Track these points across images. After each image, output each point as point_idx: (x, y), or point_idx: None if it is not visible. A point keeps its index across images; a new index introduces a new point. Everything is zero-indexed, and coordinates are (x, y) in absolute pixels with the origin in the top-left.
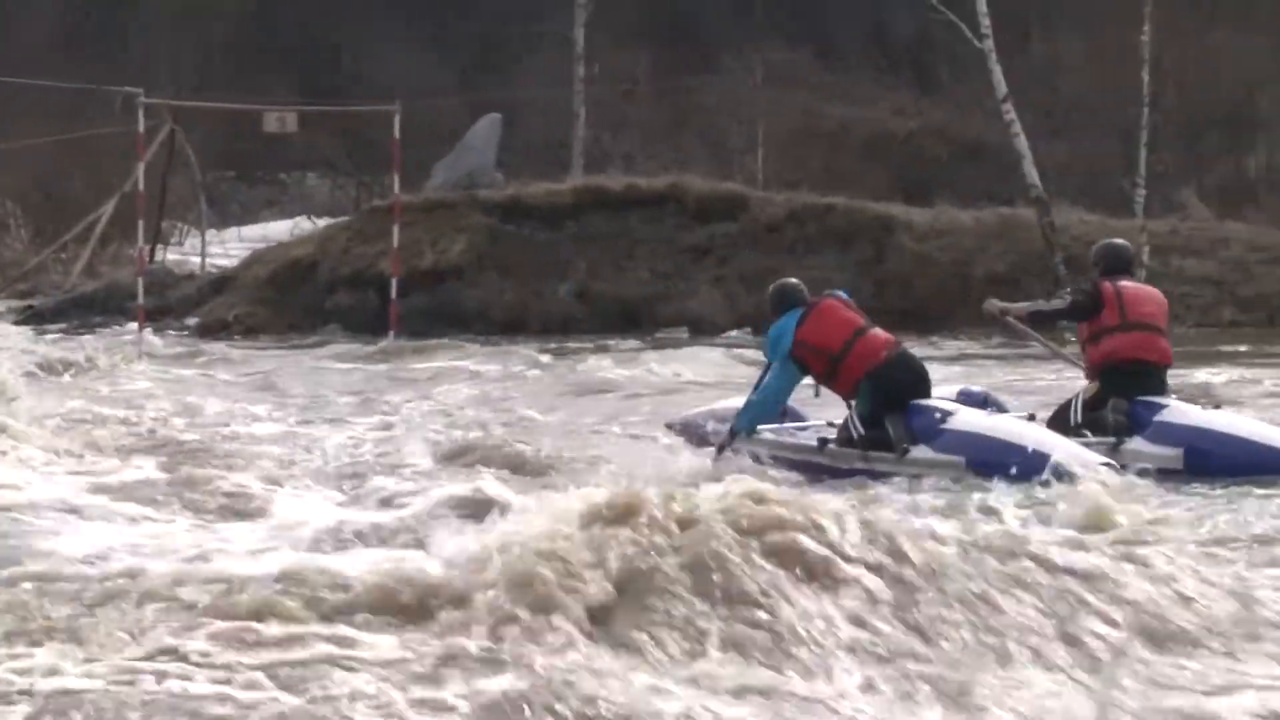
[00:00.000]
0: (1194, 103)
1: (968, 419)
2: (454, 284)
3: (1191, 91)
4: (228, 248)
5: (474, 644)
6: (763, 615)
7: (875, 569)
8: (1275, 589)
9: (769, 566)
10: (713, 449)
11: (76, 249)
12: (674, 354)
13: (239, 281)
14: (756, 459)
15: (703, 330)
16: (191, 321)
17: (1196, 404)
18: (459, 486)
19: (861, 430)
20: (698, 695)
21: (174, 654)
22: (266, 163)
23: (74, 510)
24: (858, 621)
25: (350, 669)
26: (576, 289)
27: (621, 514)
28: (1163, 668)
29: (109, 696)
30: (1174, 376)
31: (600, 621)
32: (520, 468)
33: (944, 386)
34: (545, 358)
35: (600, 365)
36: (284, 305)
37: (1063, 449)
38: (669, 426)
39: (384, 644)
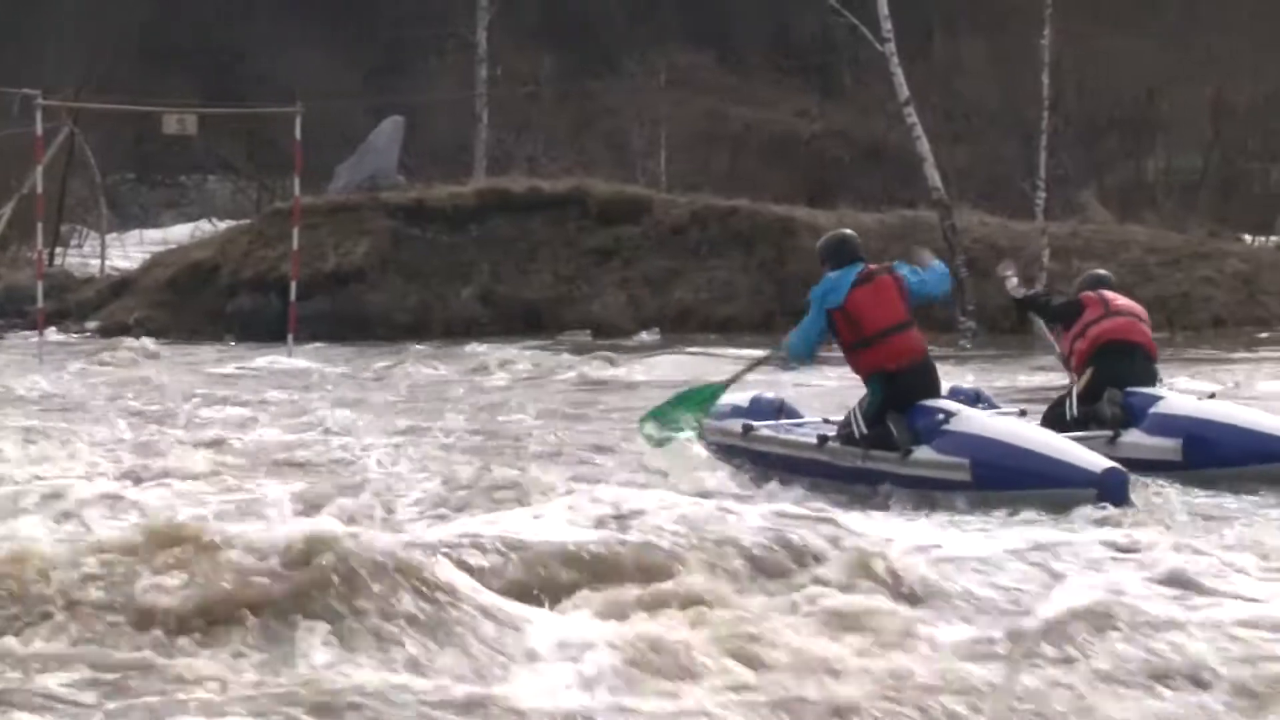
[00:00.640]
0: (1094, 106)
1: (971, 420)
2: (356, 287)
3: (1091, 95)
4: (128, 251)
5: None
6: None
7: None
8: None
9: None
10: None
11: None
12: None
13: (139, 285)
14: (755, 456)
15: (607, 333)
16: (91, 325)
17: (1191, 395)
18: None
19: (864, 429)
20: None
21: None
22: (167, 165)
23: None
24: None
25: None
26: (480, 292)
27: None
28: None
29: None
30: None
31: None
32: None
33: None
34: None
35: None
36: (185, 309)
37: (1068, 452)
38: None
39: None
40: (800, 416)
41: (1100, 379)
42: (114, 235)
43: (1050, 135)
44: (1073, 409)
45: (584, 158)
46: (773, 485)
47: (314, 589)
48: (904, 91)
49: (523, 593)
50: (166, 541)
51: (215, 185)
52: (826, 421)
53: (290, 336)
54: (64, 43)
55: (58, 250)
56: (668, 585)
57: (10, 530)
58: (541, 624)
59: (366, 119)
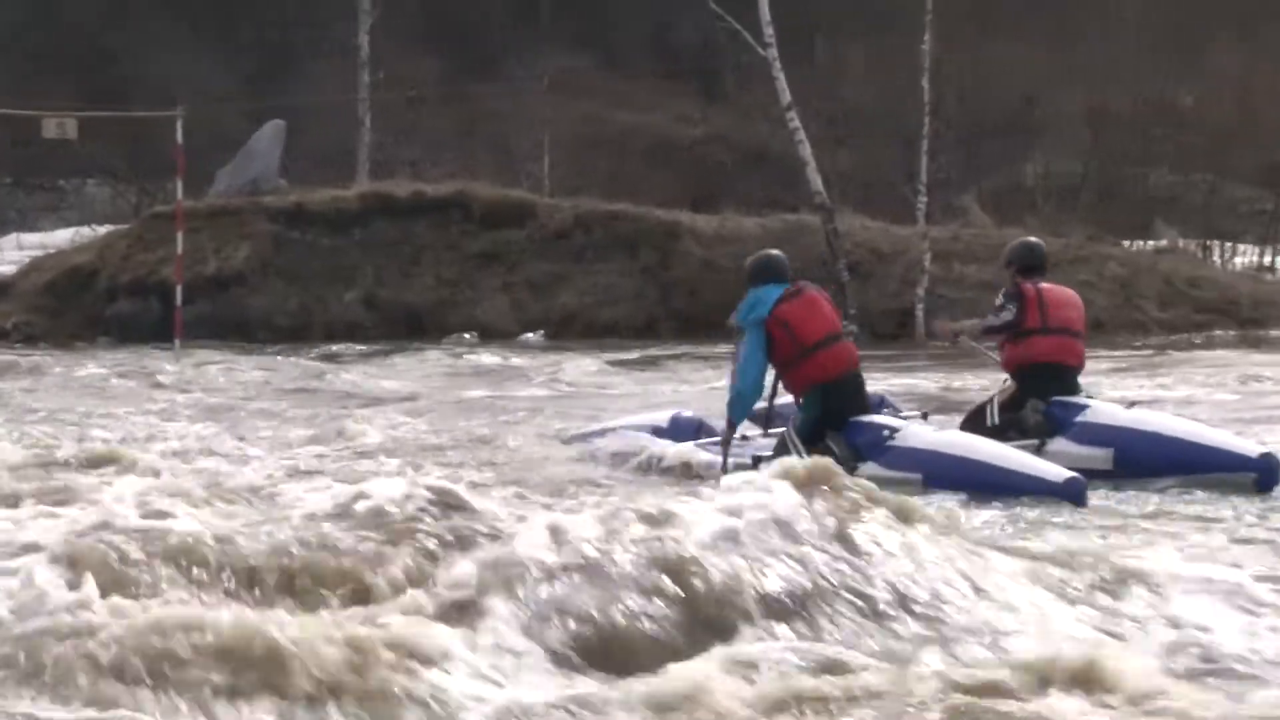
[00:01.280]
0: (974, 111)
1: (917, 435)
2: (238, 291)
3: (972, 100)
4: (5, 255)
5: None
6: None
7: None
8: None
9: None
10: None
11: None
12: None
13: (17, 289)
14: (690, 475)
15: (491, 336)
16: None
17: (1114, 403)
18: None
19: (802, 449)
20: None
21: None
22: (46, 169)
23: None
24: None
25: None
26: (362, 295)
27: None
28: None
29: None
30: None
31: None
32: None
33: None
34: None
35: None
36: (64, 313)
37: (1023, 462)
38: (566, 443)
39: None
40: (719, 435)
41: (1025, 393)
42: None
43: (931, 140)
44: (994, 416)
45: (467, 162)
46: None
47: None
48: (786, 96)
49: None
50: None
51: (95, 189)
52: (745, 439)
53: (177, 342)
54: None
55: None
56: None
57: None
58: None
59: (247, 123)
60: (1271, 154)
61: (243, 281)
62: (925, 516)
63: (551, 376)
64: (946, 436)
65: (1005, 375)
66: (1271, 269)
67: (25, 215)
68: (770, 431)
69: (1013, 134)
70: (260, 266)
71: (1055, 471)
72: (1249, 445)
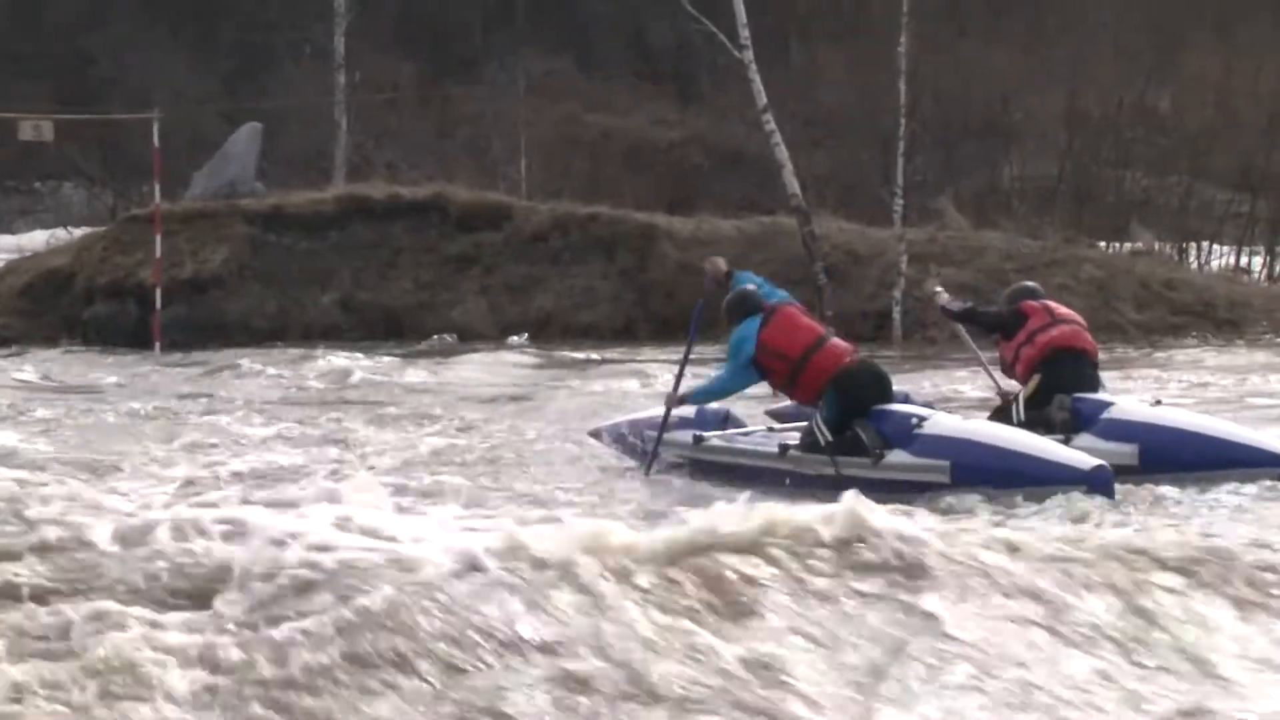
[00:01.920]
0: (950, 113)
1: (945, 423)
2: (215, 294)
3: (948, 102)
4: None
5: None
6: None
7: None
8: None
9: None
10: (637, 455)
11: None
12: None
13: None
14: (706, 466)
15: (469, 339)
16: None
17: (1140, 400)
18: None
19: (828, 435)
20: None
21: None
22: (21, 172)
23: None
24: None
25: None
26: (340, 298)
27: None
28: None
29: None
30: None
31: None
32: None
33: None
34: None
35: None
36: (40, 316)
37: (1051, 450)
38: (593, 435)
39: None
40: (745, 425)
41: (1048, 384)
42: None
43: (907, 142)
44: (1019, 414)
45: (444, 164)
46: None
47: None
48: (762, 98)
49: None
50: None
51: (71, 192)
52: (771, 430)
53: (157, 345)
54: None
55: None
56: None
57: None
58: None
59: (223, 125)
60: (1247, 156)
61: (220, 284)
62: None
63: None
64: (974, 425)
65: (1015, 383)
66: (1248, 271)
67: (1, 218)
68: (790, 426)
69: (989, 136)
70: (237, 269)
71: (1082, 459)
72: (1272, 442)
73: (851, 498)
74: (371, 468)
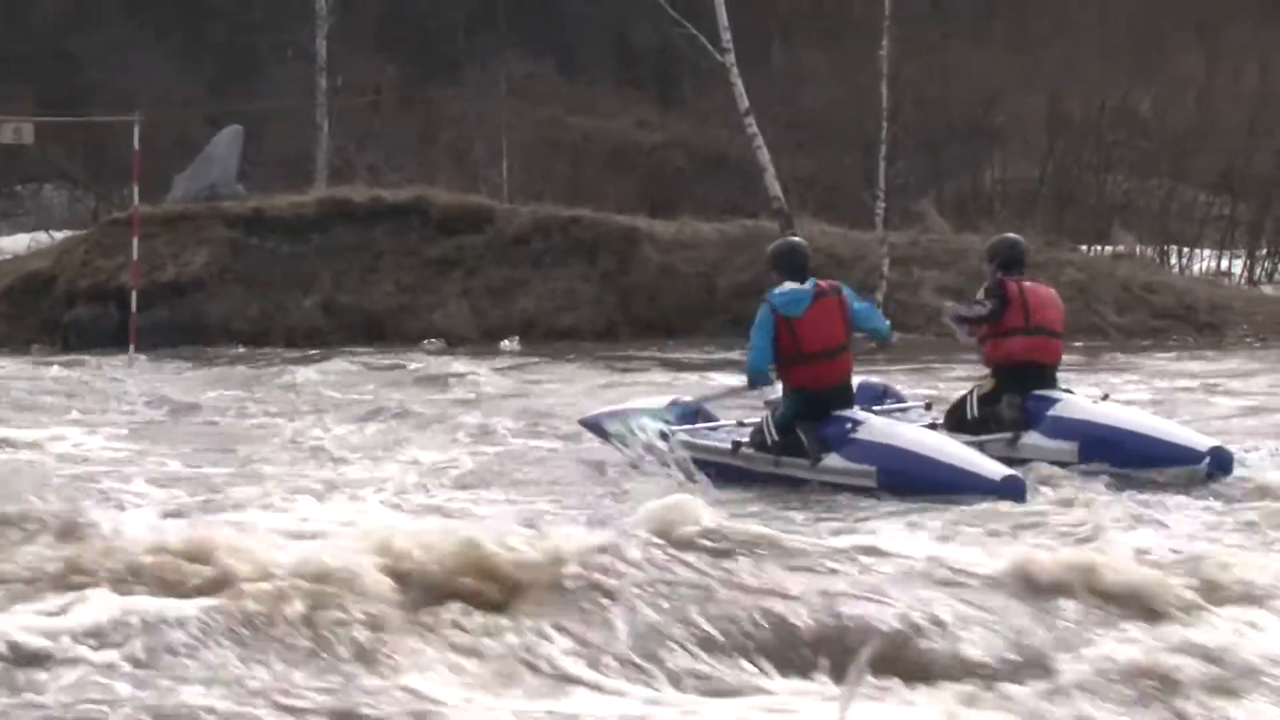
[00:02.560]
0: (932, 116)
1: (876, 429)
2: (196, 296)
3: (929, 105)
4: None
5: None
6: None
7: None
8: None
9: None
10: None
11: None
12: None
13: None
14: (673, 459)
15: (451, 343)
16: None
17: (1087, 397)
18: None
19: (775, 436)
20: None
21: None
22: (1, 175)
23: None
24: None
25: None
26: (321, 301)
27: None
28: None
29: None
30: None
31: None
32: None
33: None
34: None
35: None
36: (22, 319)
37: (970, 460)
38: (583, 424)
39: None
40: (716, 420)
41: (1003, 388)
42: None
43: (890, 145)
44: (973, 410)
45: (426, 167)
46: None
47: None
48: (744, 102)
49: None
50: None
51: (52, 194)
52: (741, 425)
53: (132, 347)
54: None
55: None
56: None
57: None
58: None
59: (205, 128)
60: (1229, 158)
61: (201, 287)
62: None
63: None
64: (901, 430)
65: (985, 370)
66: (1229, 274)
67: None
68: (745, 422)
69: (971, 139)
70: (219, 272)
71: (995, 470)
72: (1201, 439)
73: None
74: None
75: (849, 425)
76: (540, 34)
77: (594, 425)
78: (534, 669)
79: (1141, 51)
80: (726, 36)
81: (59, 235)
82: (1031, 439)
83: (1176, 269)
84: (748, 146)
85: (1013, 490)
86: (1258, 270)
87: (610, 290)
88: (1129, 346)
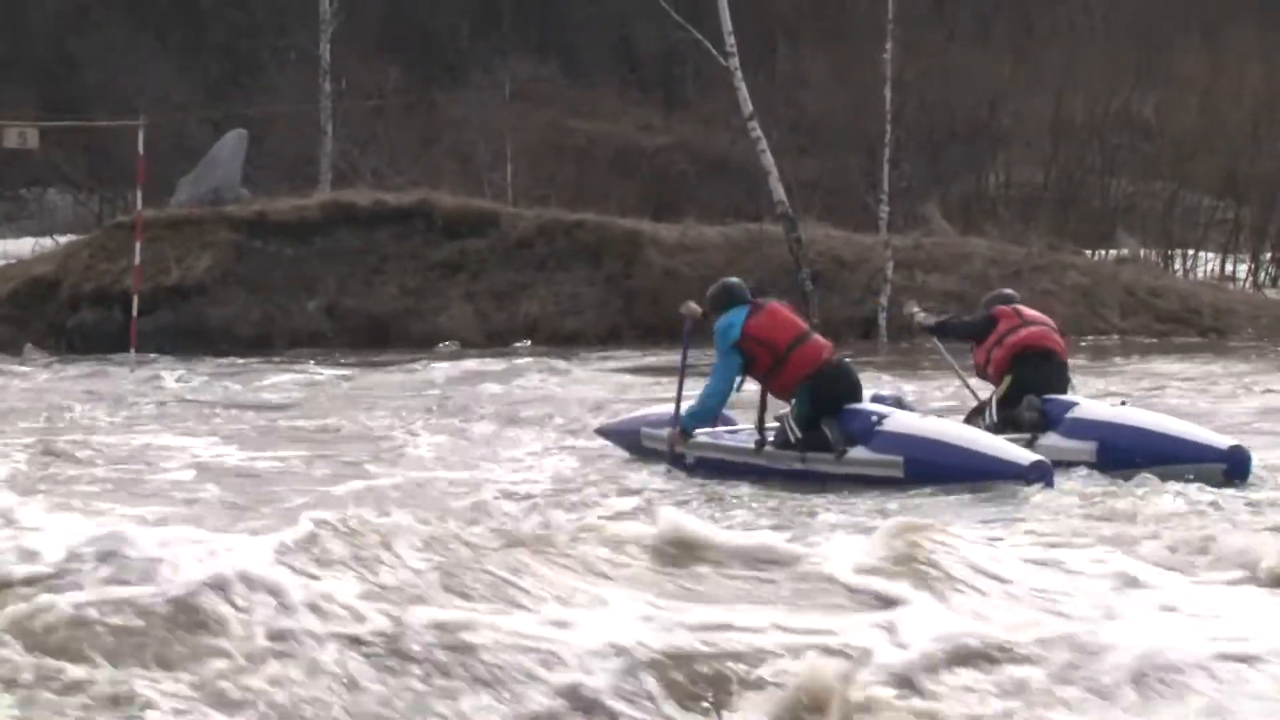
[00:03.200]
0: (936, 119)
1: (902, 421)
2: (199, 300)
3: (933, 108)
4: None
5: None
6: None
7: None
8: None
9: None
10: (648, 450)
11: None
12: None
13: None
14: (693, 462)
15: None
16: None
17: (1104, 401)
18: None
19: (798, 433)
20: None
21: None
22: (6, 179)
23: None
24: None
25: None
26: (325, 305)
27: None
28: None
29: None
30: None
31: None
32: None
33: None
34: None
35: None
36: (27, 323)
37: (996, 446)
38: (599, 432)
39: None
40: (735, 424)
41: (1019, 385)
42: None
43: (893, 148)
44: (992, 415)
45: (430, 171)
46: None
47: None
48: (748, 105)
49: None
50: None
51: (56, 199)
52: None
53: (133, 351)
54: None
55: None
56: None
57: None
58: None
59: (208, 132)
60: (1232, 160)
61: (204, 291)
62: None
63: None
64: (927, 422)
65: (978, 384)
66: (1233, 278)
67: None
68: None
69: (974, 142)
70: (222, 276)
71: (1023, 455)
72: (1219, 438)
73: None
74: None
75: (874, 419)
76: (544, 37)
77: (613, 434)
78: None
79: (1144, 54)
80: (730, 40)
81: (63, 239)
82: (1050, 440)
83: (1180, 273)
84: (751, 150)
85: (1040, 473)
86: (1262, 274)
87: (614, 294)
88: (1133, 350)
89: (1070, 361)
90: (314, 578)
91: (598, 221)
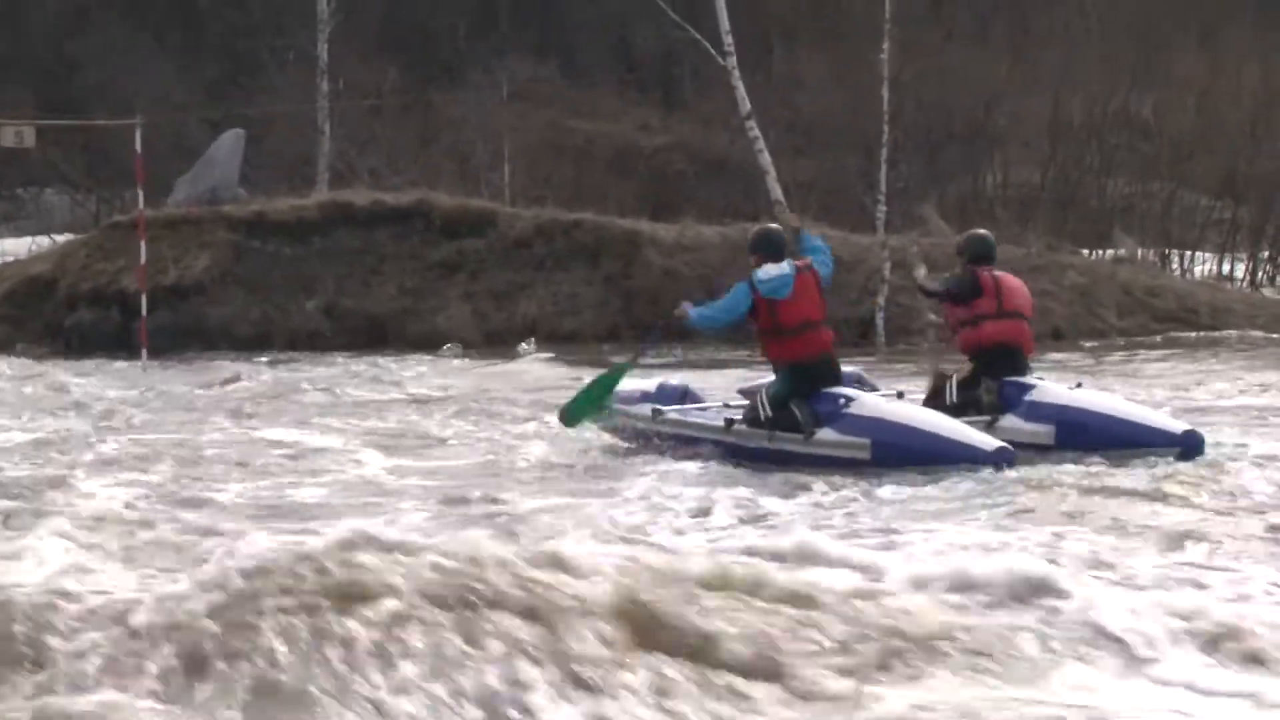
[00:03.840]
0: (933, 119)
1: (869, 404)
2: (198, 300)
3: (930, 108)
4: None
5: None
6: None
7: None
8: None
9: None
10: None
11: None
12: None
13: None
14: (662, 439)
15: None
16: None
17: (1062, 383)
18: None
19: (770, 412)
20: None
21: None
22: (3, 178)
23: None
24: None
25: None
26: (323, 305)
27: None
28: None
29: None
30: None
31: None
32: None
33: None
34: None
35: None
36: (24, 322)
37: (961, 432)
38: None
39: None
40: (703, 401)
41: (980, 372)
42: None
43: (891, 148)
44: (953, 395)
45: (428, 170)
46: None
47: None
48: (746, 105)
49: None
50: None
51: (54, 198)
52: (727, 406)
53: (144, 351)
54: None
55: None
56: None
57: None
58: None
59: (206, 131)
60: (1230, 160)
61: (203, 291)
62: None
63: None
64: (893, 406)
65: (961, 357)
66: (1230, 278)
67: None
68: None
69: (972, 142)
70: (220, 276)
71: (987, 441)
72: (1174, 422)
73: None
74: None
75: (842, 401)
76: (542, 37)
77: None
78: None
79: (1142, 54)
80: (728, 40)
81: (60, 239)
82: (1009, 422)
83: (1178, 272)
84: (749, 150)
85: (1003, 459)
86: (1259, 273)
87: (613, 293)
88: (1130, 349)
89: (1069, 360)
90: None
91: (596, 221)
